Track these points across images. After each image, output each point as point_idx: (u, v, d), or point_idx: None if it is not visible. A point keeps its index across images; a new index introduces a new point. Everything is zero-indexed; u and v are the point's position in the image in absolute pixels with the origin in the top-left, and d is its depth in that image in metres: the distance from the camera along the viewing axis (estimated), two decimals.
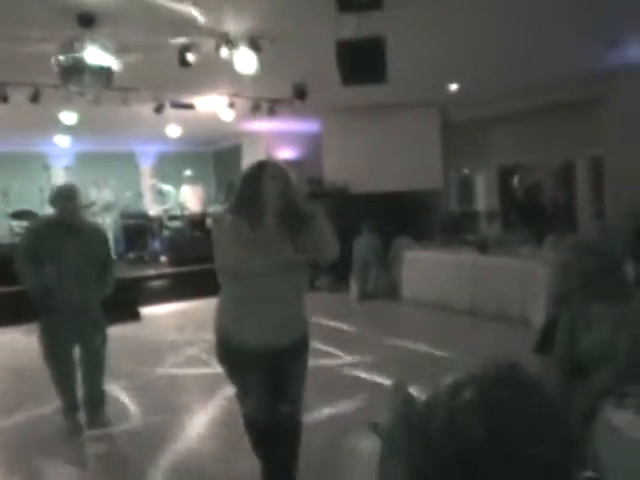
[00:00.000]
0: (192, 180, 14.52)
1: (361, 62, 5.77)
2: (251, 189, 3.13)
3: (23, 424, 5.34)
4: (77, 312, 4.94)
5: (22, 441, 4.96)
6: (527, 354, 5.02)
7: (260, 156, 14.22)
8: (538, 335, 4.37)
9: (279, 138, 14.61)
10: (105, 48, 5.65)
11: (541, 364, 4.04)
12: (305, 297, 3.45)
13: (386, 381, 5.93)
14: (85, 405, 5.25)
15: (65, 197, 4.94)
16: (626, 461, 2.50)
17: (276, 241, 3.13)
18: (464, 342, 7.49)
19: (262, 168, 3.18)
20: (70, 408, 5.16)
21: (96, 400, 5.29)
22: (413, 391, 2.31)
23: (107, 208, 14.08)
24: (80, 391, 5.24)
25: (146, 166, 17.16)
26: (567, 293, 4.46)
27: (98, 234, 5.39)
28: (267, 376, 3.26)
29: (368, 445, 4.16)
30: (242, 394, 3.34)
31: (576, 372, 3.06)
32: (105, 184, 14.22)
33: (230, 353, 3.26)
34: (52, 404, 5.39)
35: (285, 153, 14.66)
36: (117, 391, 6.17)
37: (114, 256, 5.68)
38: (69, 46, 5.54)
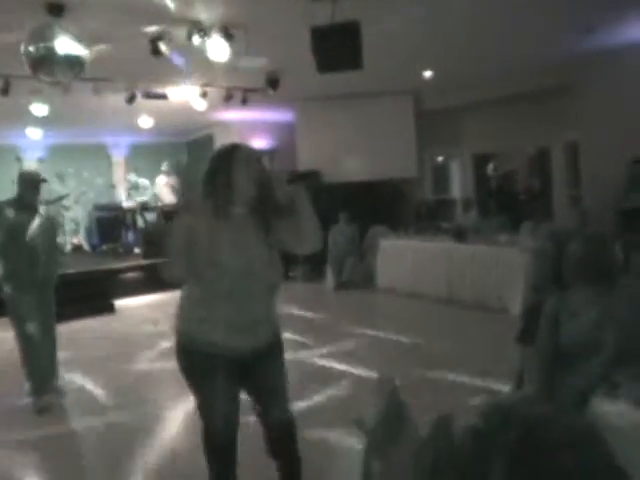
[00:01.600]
0: (167, 172, 14.35)
1: (336, 48, 5.73)
2: (220, 172, 2.86)
3: None
4: (40, 288, 5.37)
5: None
6: (506, 342, 5.04)
7: None
8: (519, 324, 4.35)
9: (252, 128, 14.51)
10: (75, 37, 5.52)
11: (523, 354, 4.04)
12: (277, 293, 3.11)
13: (363, 372, 5.91)
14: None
15: (32, 182, 5.36)
16: (617, 452, 2.48)
17: (247, 232, 2.87)
18: (441, 331, 7.51)
19: (233, 150, 2.91)
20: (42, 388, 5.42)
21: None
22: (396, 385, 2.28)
23: (77, 200, 13.95)
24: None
25: (119, 157, 16.97)
26: (546, 281, 4.46)
27: (50, 218, 5.82)
28: (235, 383, 3.00)
29: (347, 439, 4.13)
30: (206, 403, 2.99)
31: (560, 362, 3.02)
32: (74, 175, 14.08)
33: (196, 357, 2.90)
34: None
35: (258, 142, 14.57)
36: (90, 384, 6.12)
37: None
38: (39, 35, 5.41)
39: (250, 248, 2.85)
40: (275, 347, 3.09)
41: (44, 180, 5.63)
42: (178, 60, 7.46)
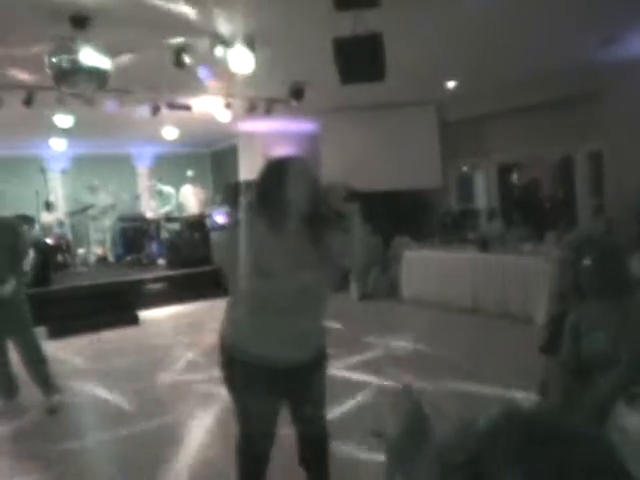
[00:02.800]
0: (193, 181, 14.42)
1: (359, 60, 5.70)
2: (275, 186, 2.82)
3: None
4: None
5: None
6: (531, 352, 4.98)
7: (257, 157, 14.19)
8: (544, 334, 4.29)
9: (275, 138, 14.53)
10: (99, 49, 5.57)
11: (547, 364, 3.98)
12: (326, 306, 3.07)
13: (386, 382, 5.88)
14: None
15: None
16: (637, 463, 2.43)
17: (299, 245, 2.86)
18: (466, 341, 7.44)
19: (288, 164, 2.90)
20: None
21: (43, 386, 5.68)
22: (419, 396, 2.24)
23: (105, 211, 14.05)
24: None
25: (143, 168, 17.09)
26: (570, 291, 4.40)
27: (10, 227, 5.61)
28: (278, 397, 3.01)
29: (372, 452, 4.09)
30: (248, 415, 2.99)
31: (582, 373, 2.99)
32: (103, 187, 14.19)
33: (242, 368, 2.87)
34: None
35: (281, 153, 14.57)
36: (116, 396, 6.11)
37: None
38: (63, 47, 5.47)
39: (303, 262, 2.82)
40: (320, 360, 3.10)
41: None
42: (204, 74, 7.52)
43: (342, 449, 4.36)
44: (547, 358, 4.05)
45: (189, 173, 14.39)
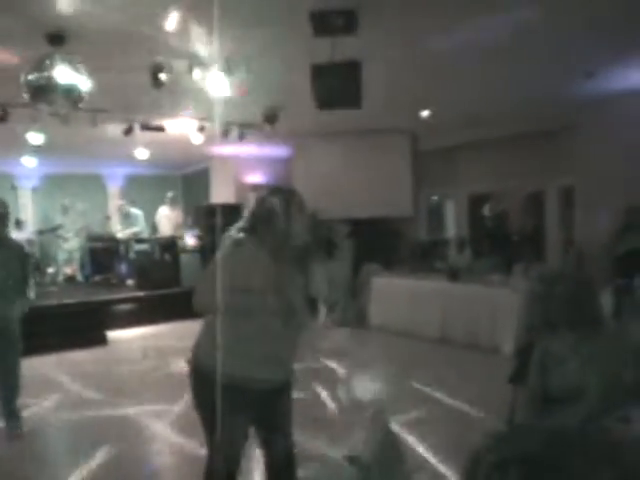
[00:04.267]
0: (172, 202, 14.33)
1: (336, 86, 5.77)
2: (278, 217, 2.96)
3: None
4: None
5: None
6: (497, 383, 5.01)
7: (229, 180, 14.22)
8: (512, 365, 4.33)
9: (248, 163, 14.57)
10: (75, 68, 5.55)
11: (514, 395, 4.01)
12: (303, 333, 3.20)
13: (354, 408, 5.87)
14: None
15: None
16: None
17: (289, 273, 2.97)
18: (434, 371, 7.44)
19: (290, 196, 3.05)
20: None
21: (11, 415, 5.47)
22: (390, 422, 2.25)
23: (74, 231, 13.94)
24: None
25: (114, 188, 17.03)
26: (538, 323, 4.45)
27: (20, 250, 5.54)
28: (250, 420, 3.08)
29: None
30: (219, 437, 2.90)
31: (549, 404, 3.02)
32: (73, 207, 14.08)
33: (214, 390, 2.80)
34: None
35: (254, 178, 14.62)
36: (74, 416, 6.10)
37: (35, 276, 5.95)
38: (39, 65, 5.44)
39: (290, 288, 2.93)
40: (289, 385, 3.23)
41: (8, 212, 5.40)
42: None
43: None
44: (515, 388, 4.08)
45: (169, 194, 14.32)
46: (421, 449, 4.80)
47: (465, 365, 7.71)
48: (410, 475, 2.36)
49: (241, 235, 3.05)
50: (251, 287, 2.85)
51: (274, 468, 3.26)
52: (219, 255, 2.95)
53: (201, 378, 2.99)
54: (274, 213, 2.97)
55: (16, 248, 5.46)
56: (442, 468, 4.39)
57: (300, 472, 3.60)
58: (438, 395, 6.35)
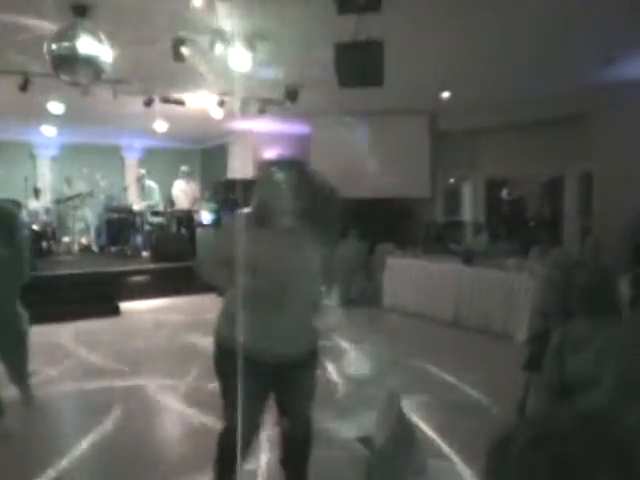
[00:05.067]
0: (186, 176, 14.40)
1: (359, 65, 5.74)
2: (261, 191, 3.05)
3: None
4: None
5: None
6: (509, 369, 5.01)
7: (247, 156, 14.19)
8: (527, 352, 4.32)
9: (267, 138, 14.51)
10: (98, 38, 5.54)
11: (528, 382, 4.01)
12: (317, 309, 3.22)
13: (362, 389, 5.89)
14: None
15: None
16: None
17: (289, 245, 3.00)
18: (444, 353, 7.43)
19: (271, 169, 3.09)
20: None
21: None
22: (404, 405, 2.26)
23: (90, 201, 14.03)
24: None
25: (132, 160, 17.05)
26: (554, 310, 4.43)
27: (8, 217, 4.93)
28: (266, 389, 3.15)
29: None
30: (232, 410, 2.98)
31: (564, 392, 3.01)
32: (90, 177, 14.16)
33: (232, 360, 2.89)
34: None
35: (272, 153, 14.58)
36: (86, 385, 6.16)
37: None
38: (62, 35, 5.44)
39: (289, 260, 2.97)
40: (311, 361, 3.23)
41: None
42: None
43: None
44: (528, 376, 4.07)
45: (183, 168, 14.35)
46: (429, 432, 4.82)
47: (476, 350, 7.70)
48: (421, 458, 2.37)
49: (246, 213, 3.13)
50: (253, 266, 2.90)
51: (289, 445, 3.31)
52: (224, 233, 3.13)
53: (220, 350, 3.10)
54: (256, 184, 3.08)
55: (3, 216, 4.87)
56: (448, 450, 4.41)
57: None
58: (447, 378, 6.35)
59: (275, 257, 2.95)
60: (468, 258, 9.18)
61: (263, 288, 2.93)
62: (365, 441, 2.23)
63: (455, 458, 4.26)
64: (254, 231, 2.97)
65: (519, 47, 7.46)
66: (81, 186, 14.08)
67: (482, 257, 9.31)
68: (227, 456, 3.09)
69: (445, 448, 4.44)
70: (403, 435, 2.10)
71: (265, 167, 3.17)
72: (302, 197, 2.95)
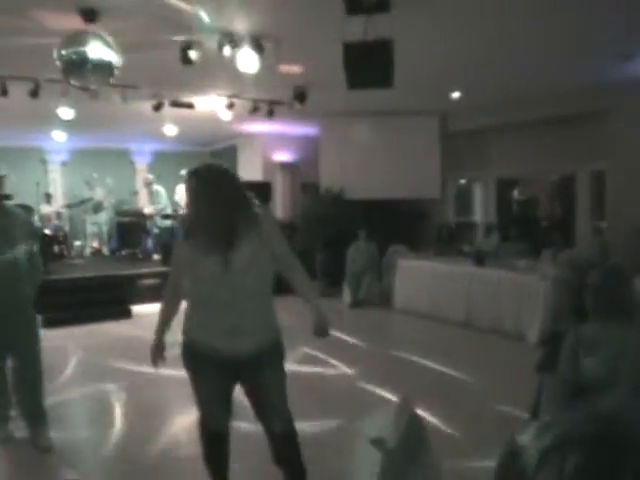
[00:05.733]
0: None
1: (368, 65, 5.69)
2: (188, 200, 3.17)
3: None
4: (8, 307, 4.39)
5: None
6: (521, 370, 4.98)
7: (256, 158, 14.23)
8: (541, 353, 4.27)
9: (275, 140, 14.56)
10: (107, 43, 5.55)
11: (540, 384, 3.97)
12: (272, 304, 3.35)
13: (377, 390, 5.88)
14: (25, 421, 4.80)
15: None
16: None
17: (223, 247, 3.06)
18: (457, 355, 7.41)
19: (192, 175, 3.13)
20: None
21: (34, 416, 4.76)
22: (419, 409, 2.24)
23: (102, 206, 14.14)
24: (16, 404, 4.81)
25: (142, 164, 17.11)
26: (567, 311, 4.40)
27: (21, 218, 4.70)
28: (228, 381, 3.28)
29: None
30: (200, 394, 3.33)
31: (578, 394, 2.98)
32: (101, 182, 14.27)
33: (194, 355, 3.25)
34: None
35: (281, 156, 14.61)
36: (98, 387, 6.19)
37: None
38: (72, 40, 5.45)
39: (217, 260, 3.05)
40: (270, 357, 3.26)
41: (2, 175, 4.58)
42: None
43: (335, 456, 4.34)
44: (542, 377, 4.03)
45: (182, 172, 14.39)
46: (440, 432, 4.79)
47: (488, 351, 7.67)
48: (433, 461, 2.36)
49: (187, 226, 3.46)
50: (187, 270, 3.22)
51: (275, 443, 3.37)
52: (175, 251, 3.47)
53: (184, 347, 3.31)
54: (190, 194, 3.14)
55: (17, 216, 4.64)
56: (458, 451, 4.38)
57: (327, 452, 3.62)
58: (458, 379, 6.31)
59: (212, 260, 3.06)
60: (480, 259, 9.14)
61: (207, 290, 3.13)
62: (377, 442, 2.21)
63: (465, 458, 4.24)
64: (193, 242, 3.17)
65: (529, 46, 7.42)
66: (100, 191, 14.24)
67: (494, 258, 9.27)
68: (208, 441, 3.41)
69: (455, 448, 4.42)
70: (415, 438, 2.08)
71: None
72: (215, 202, 3.05)
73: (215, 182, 3.08)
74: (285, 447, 3.37)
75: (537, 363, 4.11)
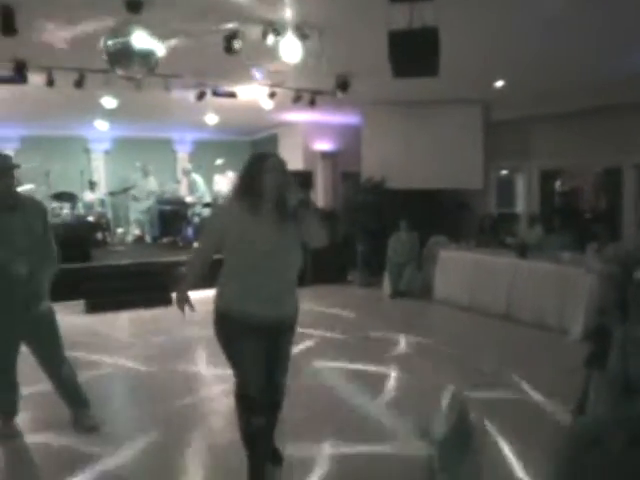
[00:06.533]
0: (222, 169, 14.63)
1: (413, 54, 5.63)
2: (253, 180, 3.48)
3: None
4: (27, 293, 4.38)
5: None
6: (564, 365, 4.90)
7: (297, 147, 14.24)
8: (589, 348, 4.21)
9: (316, 129, 14.56)
10: (152, 33, 5.59)
11: (587, 380, 3.92)
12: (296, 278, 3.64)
13: (413, 380, 5.88)
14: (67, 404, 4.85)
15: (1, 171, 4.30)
16: None
17: (271, 222, 3.45)
18: (499, 348, 7.33)
19: (263, 161, 3.52)
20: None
21: (74, 397, 4.83)
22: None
23: (144, 194, 14.32)
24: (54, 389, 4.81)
25: (183, 153, 17.25)
26: (611, 306, 4.32)
27: (40, 208, 4.70)
28: (262, 346, 3.49)
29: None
30: (238, 361, 3.52)
31: (629, 390, 2.93)
32: (144, 170, 14.45)
33: (229, 323, 3.48)
34: None
35: (322, 145, 14.60)
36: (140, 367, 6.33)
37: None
38: (117, 31, 5.50)
39: (272, 233, 3.44)
40: (293, 327, 3.71)
41: (15, 166, 4.47)
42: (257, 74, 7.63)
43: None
44: (589, 373, 3.98)
45: (217, 162, 14.51)
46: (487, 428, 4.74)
47: (530, 345, 7.56)
48: (479, 453, 2.34)
49: (228, 198, 3.86)
50: (237, 237, 3.44)
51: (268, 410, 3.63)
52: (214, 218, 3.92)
53: (221, 318, 3.54)
54: (247, 172, 3.56)
55: (36, 206, 4.65)
56: (505, 447, 4.32)
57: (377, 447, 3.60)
58: (502, 375, 6.23)
59: (262, 231, 3.43)
60: (522, 251, 9.02)
61: (252, 255, 3.41)
62: (425, 435, 2.20)
63: (511, 456, 4.18)
64: (244, 212, 3.47)
65: (575, 35, 7.28)
66: (153, 180, 14.71)
67: (537, 250, 9.14)
68: (244, 406, 3.53)
69: (501, 446, 4.36)
70: (464, 433, 2.06)
71: (254, 156, 3.69)
72: (281, 188, 3.44)
73: (283, 165, 3.55)
74: (276, 404, 3.73)
75: (585, 359, 4.05)
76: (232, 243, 3.46)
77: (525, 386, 5.74)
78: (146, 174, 14.57)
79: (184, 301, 3.74)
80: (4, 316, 4.32)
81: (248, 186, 3.52)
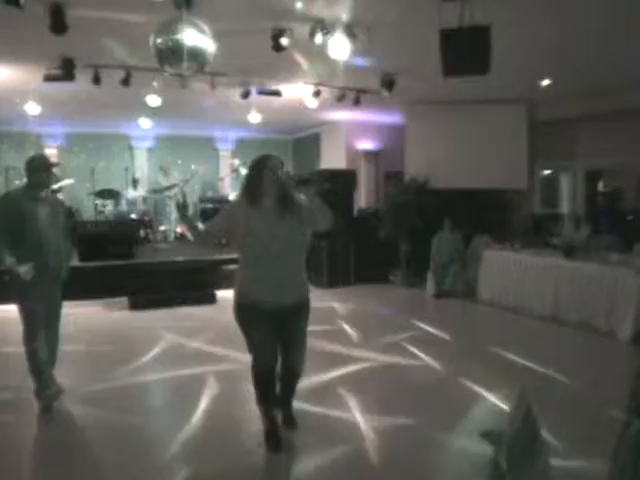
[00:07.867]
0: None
1: (465, 52, 5.58)
2: (255, 177, 4.07)
3: None
4: (53, 277, 5.09)
5: None
6: (612, 367, 4.80)
7: (340, 145, 14.24)
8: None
9: (359, 128, 14.55)
10: (202, 31, 5.61)
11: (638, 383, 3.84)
12: (304, 264, 4.20)
13: (463, 383, 5.82)
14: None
15: (43, 167, 4.96)
16: None
17: (273, 214, 3.99)
18: (546, 351, 7.22)
19: (263, 161, 4.09)
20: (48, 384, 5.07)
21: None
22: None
23: (181, 189, 14.45)
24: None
25: (226, 151, 17.33)
26: None
27: (62, 205, 5.52)
28: (275, 327, 4.04)
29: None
30: (254, 340, 4.07)
31: None
32: (185, 167, 14.57)
33: (246, 308, 4.05)
34: None
35: (364, 144, 14.58)
36: (183, 370, 6.30)
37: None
38: (167, 28, 5.52)
39: (274, 223, 3.98)
40: (303, 308, 4.21)
41: (55, 164, 5.29)
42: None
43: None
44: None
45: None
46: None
47: (578, 347, 7.46)
48: (545, 458, 2.31)
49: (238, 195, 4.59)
50: (245, 231, 3.97)
51: (285, 374, 4.29)
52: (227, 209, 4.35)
53: (239, 305, 4.13)
54: (250, 171, 4.19)
55: (60, 204, 5.45)
56: (566, 448, 4.26)
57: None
58: (549, 376, 6.13)
59: (264, 222, 3.97)
60: (568, 252, 8.89)
61: (257, 245, 3.96)
62: (487, 435, 2.17)
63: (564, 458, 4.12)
64: (248, 206, 4.04)
65: (620, 32, 7.18)
66: (175, 176, 14.72)
67: (583, 251, 9.01)
68: (259, 377, 4.13)
69: (557, 445, 4.30)
70: (529, 433, 2.04)
71: (258, 159, 4.23)
72: (279, 183, 3.98)
73: (281, 163, 4.14)
74: (293, 378, 4.34)
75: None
76: (241, 236, 4.00)
77: (576, 388, 5.67)
78: (166, 173, 14.71)
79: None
80: (41, 283, 4.91)
81: (251, 183, 4.11)
